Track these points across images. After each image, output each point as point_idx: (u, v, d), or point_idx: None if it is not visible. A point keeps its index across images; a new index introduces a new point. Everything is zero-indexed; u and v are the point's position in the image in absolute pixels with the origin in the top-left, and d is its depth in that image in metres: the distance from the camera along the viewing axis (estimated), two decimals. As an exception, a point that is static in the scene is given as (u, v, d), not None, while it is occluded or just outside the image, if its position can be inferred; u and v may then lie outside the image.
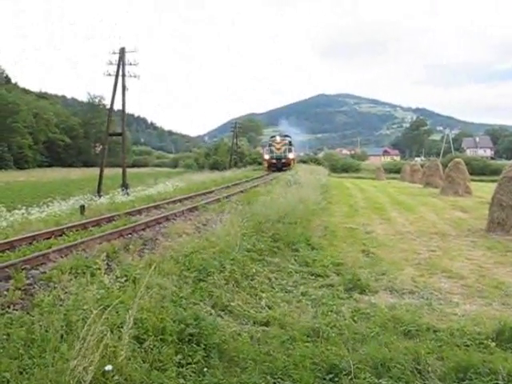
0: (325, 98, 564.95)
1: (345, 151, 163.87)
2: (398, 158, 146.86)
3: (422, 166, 55.72)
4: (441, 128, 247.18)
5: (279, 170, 58.39)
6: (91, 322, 4.82)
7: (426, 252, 12.48)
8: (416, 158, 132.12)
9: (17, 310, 6.87)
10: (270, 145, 63.77)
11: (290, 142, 65.25)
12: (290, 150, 62.21)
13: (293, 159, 62.41)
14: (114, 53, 32.81)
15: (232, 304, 7.57)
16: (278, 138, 64.89)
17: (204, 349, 5.66)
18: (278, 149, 61.92)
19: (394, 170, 75.99)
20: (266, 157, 63.55)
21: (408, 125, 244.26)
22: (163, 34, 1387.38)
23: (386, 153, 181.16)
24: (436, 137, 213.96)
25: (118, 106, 34.05)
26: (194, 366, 5.26)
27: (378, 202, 26.37)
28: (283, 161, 60.57)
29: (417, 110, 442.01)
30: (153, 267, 6.96)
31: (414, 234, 15.35)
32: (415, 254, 12.17)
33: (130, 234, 13.46)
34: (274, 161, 61.27)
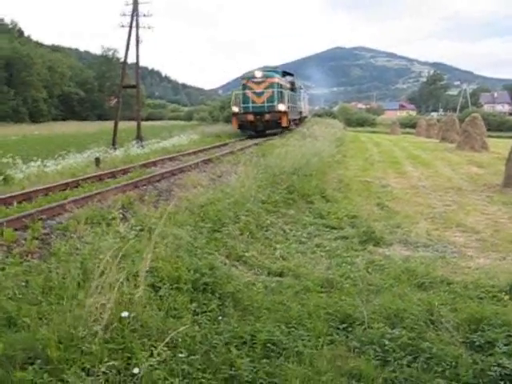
0: (340, 51, 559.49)
1: (360, 105, 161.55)
2: (414, 113, 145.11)
3: (438, 120, 55.13)
4: (458, 83, 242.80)
5: (259, 133, 35.55)
6: (107, 269, 4.88)
7: (441, 206, 12.43)
8: (432, 113, 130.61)
9: (34, 258, 6.95)
10: (245, 87, 35.92)
11: (291, 84, 42.27)
12: (281, 99, 35.18)
13: (285, 113, 34.85)
14: (128, 4, 32.39)
15: (246, 254, 7.63)
16: (258, 74, 36.05)
17: (219, 298, 5.74)
18: (259, 94, 35.03)
19: (409, 125, 75.07)
20: (235, 109, 35.90)
21: (425, 79, 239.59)
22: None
23: (401, 107, 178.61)
24: (453, 92, 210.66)
25: (132, 59, 33.87)
26: (209, 314, 5.32)
27: (394, 156, 26.23)
28: (267, 117, 34.35)
29: (434, 65, 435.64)
30: (167, 216, 6.99)
31: (429, 188, 15.28)
32: (430, 208, 12.13)
33: (145, 185, 13.50)
34: (251, 117, 34.39)
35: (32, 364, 4.06)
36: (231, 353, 4.56)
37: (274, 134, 34.55)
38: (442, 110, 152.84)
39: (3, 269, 6.13)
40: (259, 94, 35.06)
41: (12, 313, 4.83)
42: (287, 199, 11.69)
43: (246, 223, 8.90)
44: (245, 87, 35.84)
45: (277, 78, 36.34)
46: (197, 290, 5.80)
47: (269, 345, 4.76)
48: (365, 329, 5.16)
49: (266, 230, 9.21)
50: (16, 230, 8.27)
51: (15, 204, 10.70)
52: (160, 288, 5.48)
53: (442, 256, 8.14)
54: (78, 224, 8.34)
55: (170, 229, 7.18)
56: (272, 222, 9.72)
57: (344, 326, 5.31)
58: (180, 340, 4.54)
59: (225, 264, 6.86)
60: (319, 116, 71.16)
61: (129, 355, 4.30)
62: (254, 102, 35.06)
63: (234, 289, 5.97)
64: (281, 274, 7.10)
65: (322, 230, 9.71)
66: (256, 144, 27.25)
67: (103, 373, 4.02)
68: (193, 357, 4.42)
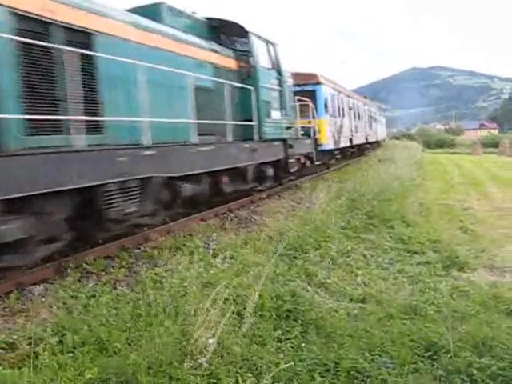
0: (417, 72, 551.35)
1: (439, 126, 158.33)
2: (495, 132, 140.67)
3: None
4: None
5: None
6: (194, 298, 5.03)
7: (528, 230, 11.98)
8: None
9: (122, 286, 7.21)
10: None
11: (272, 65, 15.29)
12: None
13: None
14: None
15: (328, 281, 7.60)
16: None
17: (301, 324, 5.75)
18: None
19: (491, 144, 72.54)
20: None
21: (507, 96, 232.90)
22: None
23: (482, 126, 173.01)
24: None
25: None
26: (292, 341, 5.35)
27: (475, 177, 25.48)
28: None
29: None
30: (248, 243, 7.11)
31: (515, 210, 14.76)
32: (516, 231, 11.72)
33: (225, 213, 13.69)
34: None
35: (125, 388, 4.24)
36: (315, 380, 4.57)
37: None
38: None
39: (94, 296, 6.40)
40: None
41: (104, 338, 5.04)
42: (367, 224, 11.59)
43: (326, 249, 8.91)
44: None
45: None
46: (280, 317, 5.86)
47: (352, 372, 4.74)
48: (451, 357, 5.02)
49: (347, 256, 9.14)
50: (104, 258, 8.60)
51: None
52: (244, 315, 5.57)
53: (533, 282, 7.84)
54: (162, 252, 8.58)
55: (251, 256, 7.28)
56: (352, 248, 9.65)
57: (429, 353, 5.18)
58: (264, 367, 4.60)
59: (307, 291, 6.88)
60: (397, 139, 70.57)
61: (215, 381, 4.41)
62: None
63: (316, 315, 5.97)
64: (363, 301, 7.03)
65: (404, 255, 9.54)
66: (334, 170, 26.99)
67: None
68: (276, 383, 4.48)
